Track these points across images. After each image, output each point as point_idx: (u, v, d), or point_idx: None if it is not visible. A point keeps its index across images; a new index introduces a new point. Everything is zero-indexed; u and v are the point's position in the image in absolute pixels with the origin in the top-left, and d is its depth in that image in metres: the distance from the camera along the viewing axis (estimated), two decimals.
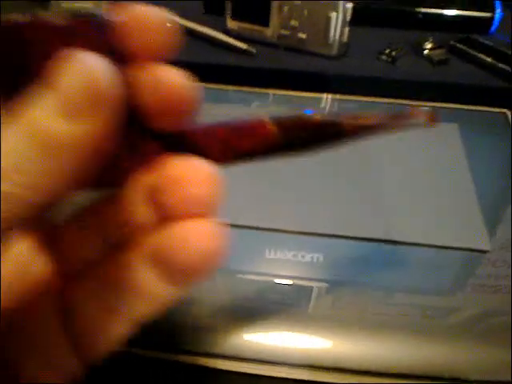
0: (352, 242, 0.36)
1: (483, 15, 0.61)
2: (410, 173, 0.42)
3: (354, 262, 0.36)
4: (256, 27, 0.57)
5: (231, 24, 0.58)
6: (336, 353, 0.30)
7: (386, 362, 0.30)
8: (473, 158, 0.44)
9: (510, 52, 0.55)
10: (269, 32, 0.57)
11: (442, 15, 0.61)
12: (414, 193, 0.41)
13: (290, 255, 0.35)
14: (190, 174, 0.17)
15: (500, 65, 0.53)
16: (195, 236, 0.17)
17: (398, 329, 0.32)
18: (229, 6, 0.57)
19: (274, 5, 0.55)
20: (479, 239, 0.37)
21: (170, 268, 0.17)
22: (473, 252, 0.36)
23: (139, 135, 0.18)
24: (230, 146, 0.19)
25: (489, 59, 0.54)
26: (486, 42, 0.57)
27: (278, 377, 0.30)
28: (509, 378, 0.29)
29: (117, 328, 0.18)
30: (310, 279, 0.34)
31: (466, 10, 0.61)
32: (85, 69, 0.14)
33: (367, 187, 0.41)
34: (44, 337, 0.18)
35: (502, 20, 0.62)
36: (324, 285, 0.34)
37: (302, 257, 0.35)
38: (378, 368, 0.30)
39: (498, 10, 0.61)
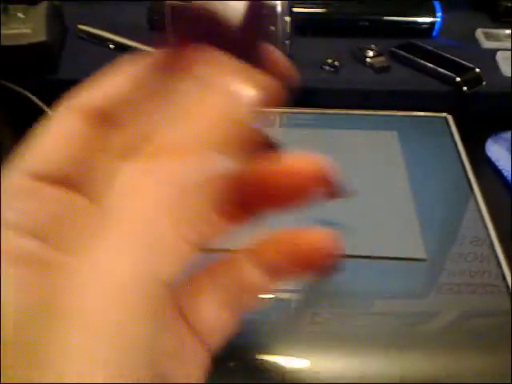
0: None
1: (425, 20, 0.62)
2: (350, 184, 0.42)
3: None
4: None
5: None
6: (317, 370, 0.30)
7: (368, 374, 0.30)
8: (411, 165, 0.44)
9: (450, 55, 0.55)
10: None
11: (384, 22, 0.62)
12: (355, 205, 0.41)
13: None
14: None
15: (440, 69, 0.54)
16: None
17: (378, 341, 0.32)
18: (169, 23, 0.57)
19: None
20: (416, 249, 0.37)
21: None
22: (412, 261, 0.37)
23: None
24: None
25: (429, 64, 0.55)
26: (427, 46, 0.58)
27: None
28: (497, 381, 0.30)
29: (228, 320, 0.21)
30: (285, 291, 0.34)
31: (408, 16, 0.62)
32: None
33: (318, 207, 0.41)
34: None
35: (446, 23, 0.62)
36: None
37: None
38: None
39: (439, 14, 0.61)
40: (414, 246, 0.37)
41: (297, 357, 0.30)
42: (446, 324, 0.33)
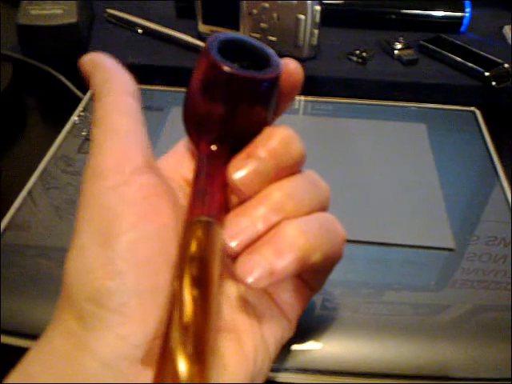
0: None
1: (454, 15, 0.62)
2: (379, 174, 0.42)
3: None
4: (227, 31, 0.57)
5: (203, 28, 0.59)
6: (327, 354, 0.30)
7: (380, 362, 0.30)
8: (440, 157, 0.44)
9: (478, 51, 0.55)
10: (239, 35, 0.57)
11: (412, 15, 0.62)
12: (383, 193, 0.41)
13: None
14: None
15: (469, 64, 0.54)
16: None
17: (390, 328, 0.32)
18: (199, 10, 0.57)
19: (244, 8, 0.55)
20: (445, 238, 0.37)
21: None
22: (439, 250, 0.37)
23: None
24: None
25: (458, 58, 0.54)
26: (456, 41, 0.58)
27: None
28: (503, 375, 0.29)
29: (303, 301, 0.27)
30: None
31: (437, 10, 0.62)
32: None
33: (337, 189, 0.41)
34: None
35: (473, 19, 0.62)
36: None
37: None
38: (372, 369, 0.30)
39: (468, 10, 0.61)
40: (442, 235, 0.37)
41: (306, 339, 0.30)
42: (464, 316, 0.33)
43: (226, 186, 0.24)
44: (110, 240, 0.21)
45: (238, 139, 0.25)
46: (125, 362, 0.19)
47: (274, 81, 0.24)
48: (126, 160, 0.22)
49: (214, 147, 0.25)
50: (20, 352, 0.21)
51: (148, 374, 0.20)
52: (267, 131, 0.25)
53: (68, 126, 0.46)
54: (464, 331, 0.31)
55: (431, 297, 0.34)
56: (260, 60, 0.25)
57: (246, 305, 0.25)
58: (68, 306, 0.21)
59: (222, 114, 0.24)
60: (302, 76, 0.26)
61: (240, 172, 0.23)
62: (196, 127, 0.26)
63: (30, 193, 0.40)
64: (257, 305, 0.25)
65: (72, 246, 0.22)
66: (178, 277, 0.21)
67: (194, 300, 0.20)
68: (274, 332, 0.25)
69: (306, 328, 0.31)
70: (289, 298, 0.26)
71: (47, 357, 0.20)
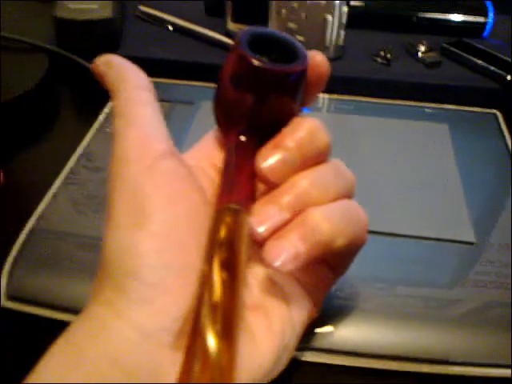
0: None
1: (477, 20, 0.63)
2: (401, 170, 0.44)
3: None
4: None
5: (231, 26, 0.60)
6: (339, 337, 0.32)
7: (389, 346, 0.31)
8: (462, 157, 0.45)
9: (500, 55, 0.57)
10: None
11: (436, 19, 0.63)
12: (405, 189, 0.42)
13: None
14: None
15: (491, 67, 0.55)
16: None
17: (400, 316, 0.33)
18: (229, 8, 0.59)
19: (273, 7, 0.57)
20: (465, 232, 0.38)
21: None
22: (461, 244, 0.38)
23: None
24: None
25: (480, 62, 0.56)
26: (478, 45, 0.59)
27: None
28: (506, 362, 0.31)
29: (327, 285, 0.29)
30: None
31: (460, 14, 0.63)
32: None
33: (361, 183, 0.42)
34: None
35: (496, 24, 0.64)
36: None
37: None
38: (382, 352, 0.31)
39: (491, 15, 0.63)
40: (462, 229, 0.39)
41: (318, 324, 0.32)
42: (477, 310, 0.34)
43: (254, 175, 0.26)
44: (143, 220, 0.22)
45: (266, 130, 0.26)
46: (164, 334, 0.21)
47: (302, 73, 0.26)
48: (150, 146, 0.24)
49: (242, 138, 0.26)
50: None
51: (182, 346, 0.21)
52: (295, 122, 0.26)
53: (98, 122, 0.48)
54: (475, 324, 0.33)
55: (446, 291, 0.35)
56: (288, 53, 0.26)
57: (273, 285, 0.26)
58: (108, 282, 0.22)
59: (251, 106, 0.26)
60: (328, 68, 0.27)
61: (268, 161, 0.25)
62: (226, 118, 0.27)
63: (59, 187, 0.41)
64: (284, 286, 0.27)
65: (107, 227, 0.23)
66: (208, 260, 0.22)
67: (223, 282, 0.22)
68: (300, 312, 0.27)
69: (325, 312, 0.32)
70: (314, 281, 0.28)
71: (91, 327, 0.21)
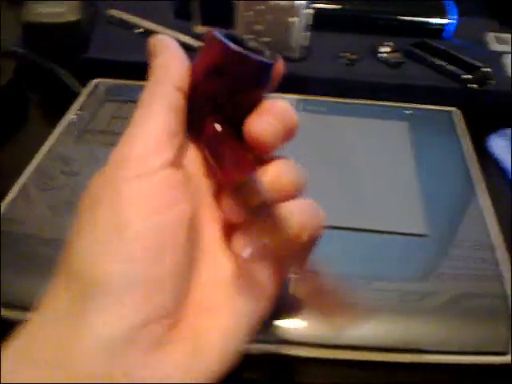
0: None
1: (440, 21, 0.65)
2: (361, 167, 0.45)
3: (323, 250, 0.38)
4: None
5: (199, 29, 0.61)
6: (318, 331, 0.33)
7: (369, 338, 0.33)
8: (419, 153, 0.47)
9: (460, 55, 0.58)
10: None
11: (400, 21, 0.65)
12: (364, 185, 0.44)
13: None
14: None
15: (451, 67, 0.56)
16: None
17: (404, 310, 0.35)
18: (196, 11, 0.60)
19: (239, 10, 0.58)
20: (417, 225, 0.40)
21: None
22: (414, 236, 0.39)
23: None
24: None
25: (441, 62, 0.57)
26: (440, 46, 0.60)
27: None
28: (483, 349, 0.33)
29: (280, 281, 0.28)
30: None
31: (424, 17, 0.65)
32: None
33: (322, 180, 0.44)
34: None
35: (459, 26, 0.65)
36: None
37: None
38: (362, 343, 0.33)
39: (454, 17, 0.64)
40: (415, 222, 0.40)
41: (295, 320, 0.33)
42: (442, 302, 0.35)
43: (236, 162, 0.26)
44: (122, 228, 0.22)
45: (240, 118, 0.27)
46: (120, 342, 0.21)
47: (273, 66, 0.27)
48: (156, 152, 0.23)
49: (218, 127, 0.27)
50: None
51: (138, 356, 0.21)
52: (268, 102, 0.27)
53: (64, 123, 0.49)
54: (438, 312, 0.34)
55: (417, 285, 0.36)
56: (255, 52, 0.28)
57: (227, 283, 0.26)
58: (67, 285, 0.22)
59: (230, 94, 0.26)
60: (282, 69, 0.28)
61: (259, 126, 0.25)
62: (201, 111, 0.27)
63: (23, 185, 0.42)
64: (237, 282, 0.27)
65: (79, 229, 0.23)
66: None
67: None
68: (253, 307, 0.27)
69: (296, 308, 0.34)
70: (268, 277, 0.28)
71: (48, 332, 0.21)
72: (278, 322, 0.33)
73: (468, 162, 0.46)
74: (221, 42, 0.26)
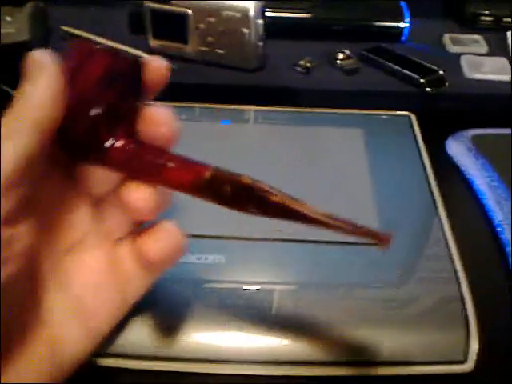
0: (268, 243, 0.39)
1: (394, 25, 0.65)
2: (316, 177, 0.45)
3: (275, 263, 0.38)
4: (176, 45, 0.59)
5: (153, 42, 0.61)
6: (299, 347, 0.32)
7: (350, 351, 0.32)
8: (374, 159, 0.46)
9: (416, 59, 0.58)
10: (188, 49, 0.59)
11: (354, 26, 0.65)
12: (319, 194, 0.43)
13: (210, 259, 0.37)
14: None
15: (405, 71, 0.56)
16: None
17: (359, 321, 0.34)
18: (149, 25, 0.60)
19: (191, 23, 0.57)
20: None
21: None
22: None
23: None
24: (166, 174, 0.26)
25: (395, 66, 0.57)
26: (395, 50, 0.61)
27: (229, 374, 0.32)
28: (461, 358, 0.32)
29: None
30: (265, 283, 0.36)
31: (378, 21, 0.65)
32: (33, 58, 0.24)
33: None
34: None
35: (414, 29, 0.65)
36: (242, 286, 0.36)
37: (219, 260, 0.37)
38: (344, 358, 0.32)
39: (407, 20, 0.64)
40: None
41: (281, 334, 0.33)
42: (399, 308, 0.35)
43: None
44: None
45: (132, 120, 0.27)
46: None
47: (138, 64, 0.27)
48: None
49: (128, 141, 0.26)
50: None
51: None
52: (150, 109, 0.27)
53: None
54: (395, 320, 0.34)
55: (395, 291, 0.36)
56: None
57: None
58: None
59: (119, 100, 0.26)
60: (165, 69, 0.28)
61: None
62: (105, 129, 0.26)
63: None
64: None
65: None
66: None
67: None
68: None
69: (278, 323, 0.33)
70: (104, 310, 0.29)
71: None
72: (256, 341, 0.33)
73: (423, 164, 0.46)
74: (105, 51, 0.26)
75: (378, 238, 0.26)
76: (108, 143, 0.26)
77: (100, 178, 0.28)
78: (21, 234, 0.23)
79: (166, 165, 0.26)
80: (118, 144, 0.26)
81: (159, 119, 0.27)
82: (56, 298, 0.27)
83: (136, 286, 0.29)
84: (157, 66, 0.28)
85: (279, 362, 0.32)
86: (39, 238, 0.25)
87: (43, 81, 0.23)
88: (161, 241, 0.28)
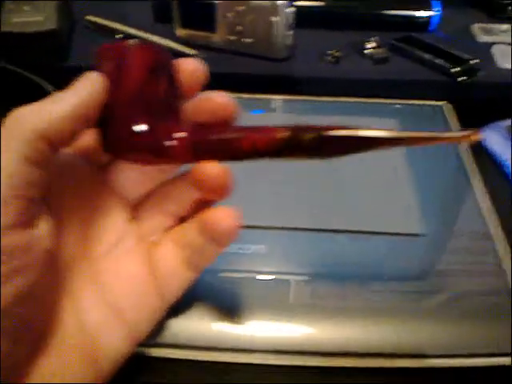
0: (309, 233, 0.38)
1: (423, 14, 0.64)
2: (353, 169, 0.44)
3: (314, 253, 0.37)
4: (204, 34, 0.59)
5: (180, 32, 0.60)
6: (320, 338, 0.32)
7: (370, 343, 0.32)
8: (411, 151, 0.46)
9: (446, 48, 0.57)
10: (216, 38, 0.58)
11: (383, 15, 0.64)
12: (356, 186, 0.43)
13: (252, 249, 0.37)
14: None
15: (437, 60, 0.56)
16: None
17: (378, 312, 0.34)
18: (177, 14, 0.59)
19: (219, 11, 0.56)
20: (414, 225, 0.39)
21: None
22: (409, 236, 0.38)
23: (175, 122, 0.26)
24: (244, 145, 0.25)
25: (427, 55, 0.56)
26: (425, 39, 0.60)
27: (256, 363, 0.31)
28: (485, 351, 0.32)
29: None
30: (271, 272, 0.36)
31: (407, 10, 0.64)
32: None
33: (313, 184, 0.43)
34: None
35: (443, 18, 0.64)
36: (302, 277, 0.36)
37: (262, 250, 0.37)
38: (364, 350, 0.32)
39: (438, 9, 0.63)
40: (411, 222, 0.39)
41: (302, 324, 0.32)
42: (443, 301, 0.35)
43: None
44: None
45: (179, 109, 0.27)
46: None
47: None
48: None
49: (182, 134, 0.26)
50: None
51: None
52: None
53: None
54: (440, 314, 0.34)
55: (419, 284, 0.36)
56: None
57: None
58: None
59: (167, 93, 0.26)
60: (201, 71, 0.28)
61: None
62: (150, 122, 0.25)
63: None
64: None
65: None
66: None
67: None
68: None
69: (298, 313, 0.33)
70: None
71: None
72: (277, 330, 0.32)
73: (462, 156, 0.45)
74: (148, 45, 0.26)
75: (466, 137, 0.25)
76: (168, 142, 0.25)
77: (135, 181, 0.28)
78: (39, 239, 0.22)
79: (238, 137, 0.25)
80: (179, 136, 0.25)
81: (214, 94, 0.27)
82: (94, 302, 0.26)
83: (175, 285, 0.29)
84: (191, 70, 0.27)
85: (340, 352, 0.32)
86: (72, 243, 0.26)
87: (86, 85, 0.24)
88: (230, 211, 0.27)
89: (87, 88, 0.24)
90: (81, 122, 0.24)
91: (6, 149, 0.21)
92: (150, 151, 0.25)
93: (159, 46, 0.26)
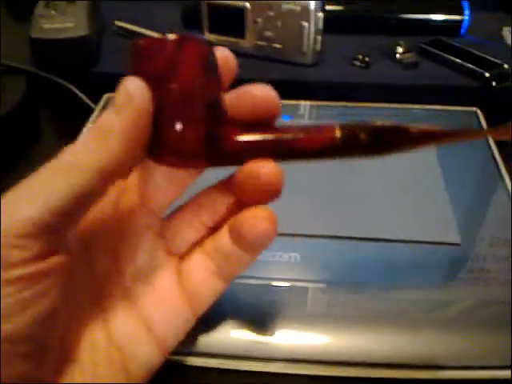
0: (340, 241, 0.38)
1: (453, 18, 0.63)
2: (386, 175, 0.44)
3: (345, 261, 0.37)
4: (233, 39, 0.59)
5: (209, 37, 0.60)
6: (336, 347, 0.32)
7: (385, 353, 0.31)
8: (444, 157, 0.45)
9: (478, 52, 0.57)
10: (245, 43, 0.59)
11: (412, 20, 0.63)
12: (390, 194, 0.42)
13: (285, 257, 0.37)
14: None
15: (469, 65, 0.55)
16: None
17: (395, 322, 0.33)
18: (206, 19, 0.59)
19: (249, 17, 0.56)
20: (451, 234, 0.38)
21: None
22: (446, 245, 0.38)
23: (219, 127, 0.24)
24: (299, 145, 0.24)
25: (457, 60, 0.56)
26: (455, 43, 0.59)
27: (274, 372, 0.31)
28: (504, 363, 0.30)
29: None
30: (305, 280, 0.36)
31: (437, 14, 0.63)
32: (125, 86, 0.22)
33: (345, 191, 0.42)
34: None
35: (472, 22, 0.64)
36: (319, 285, 0.36)
37: (294, 258, 0.37)
38: (379, 360, 0.31)
39: (467, 13, 0.63)
40: (447, 231, 0.38)
41: (317, 333, 0.32)
42: (470, 310, 0.34)
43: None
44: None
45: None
46: None
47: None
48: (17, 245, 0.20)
49: (239, 134, 0.24)
50: None
51: None
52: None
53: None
54: (467, 324, 0.33)
55: (436, 292, 0.35)
56: None
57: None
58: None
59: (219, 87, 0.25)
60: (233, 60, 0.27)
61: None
62: (213, 122, 0.24)
63: None
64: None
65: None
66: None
67: None
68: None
69: (313, 322, 0.33)
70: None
71: None
72: (306, 339, 0.32)
73: (494, 161, 0.45)
74: (199, 39, 0.24)
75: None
76: (224, 142, 0.24)
77: (164, 187, 0.27)
78: (52, 270, 0.21)
79: (295, 137, 0.24)
80: (235, 137, 0.24)
81: (254, 87, 0.25)
82: (125, 317, 0.26)
83: (205, 296, 0.28)
84: (224, 58, 0.26)
85: (368, 363, 0.31)
86: (103, 262, 0.26)
87: (132, 117, 0.22)
88: (268, 212, 0.25)
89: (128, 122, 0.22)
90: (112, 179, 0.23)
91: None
92: (207, 157, 0.24)
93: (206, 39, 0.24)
